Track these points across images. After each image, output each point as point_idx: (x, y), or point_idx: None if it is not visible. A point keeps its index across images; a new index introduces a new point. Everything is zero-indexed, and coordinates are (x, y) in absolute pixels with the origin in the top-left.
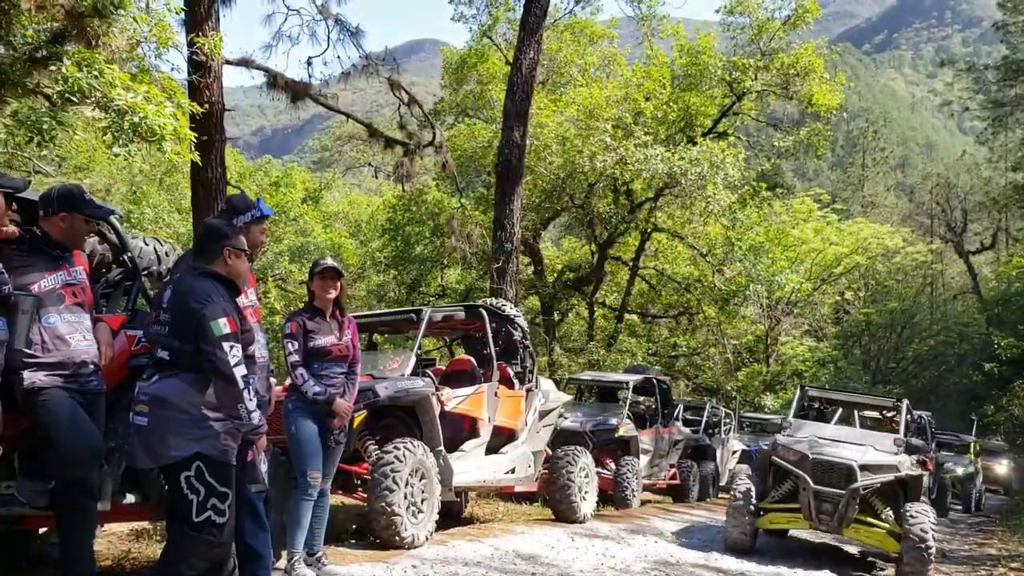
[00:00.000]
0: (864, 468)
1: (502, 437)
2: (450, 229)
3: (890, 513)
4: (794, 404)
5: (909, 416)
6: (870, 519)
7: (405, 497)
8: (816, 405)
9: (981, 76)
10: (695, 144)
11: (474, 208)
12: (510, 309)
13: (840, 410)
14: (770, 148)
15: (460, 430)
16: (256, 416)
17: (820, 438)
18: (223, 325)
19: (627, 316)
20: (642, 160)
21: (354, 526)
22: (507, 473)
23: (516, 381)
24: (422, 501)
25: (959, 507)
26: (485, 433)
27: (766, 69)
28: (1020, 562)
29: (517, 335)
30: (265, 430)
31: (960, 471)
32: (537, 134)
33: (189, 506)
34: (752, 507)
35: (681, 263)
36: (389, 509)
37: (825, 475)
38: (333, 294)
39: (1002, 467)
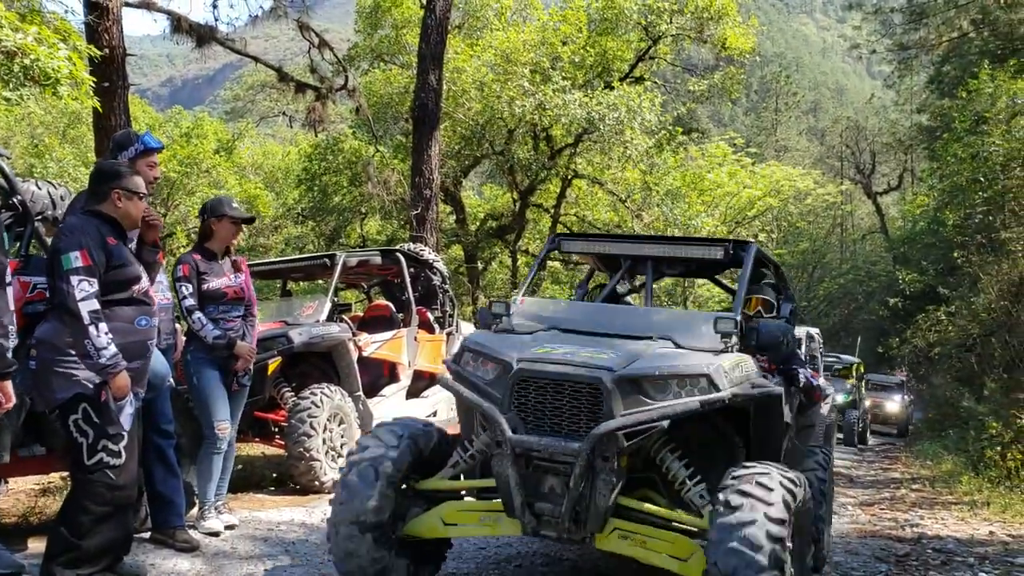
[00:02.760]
0: (629, 384)
1: (424, 381)
2: (367, 176)
3: (702, 493)
4: (534, 270)
5: (777, 280)
6: (652, 507)
7: (324, 442)
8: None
9: (887, 20)
10: (612, 89)
11: (392, 156)
12: (428, 254)
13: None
14: (686, 93)
15: (380, 375)
16: (106, 355)
17: (564, 330)
18: (74, 258)
19: (550, 264)
20: (561, 105)
21: (274, 474)
22: (429, 416)
23: (436, 326)
24: (341, 446)
25: (840, 439)
26: (405, 378)
27: (680, 12)
28: (920, 483)
29: (436, 280)
30: (119, 370)
31: (841, 398)
32: (455, 79)
33: (80, 449)
34: (385, 493)
35: (601, 209)
36: (307, 454)
37: (544, 409)
38: (236, 241)
39: (894, 404)
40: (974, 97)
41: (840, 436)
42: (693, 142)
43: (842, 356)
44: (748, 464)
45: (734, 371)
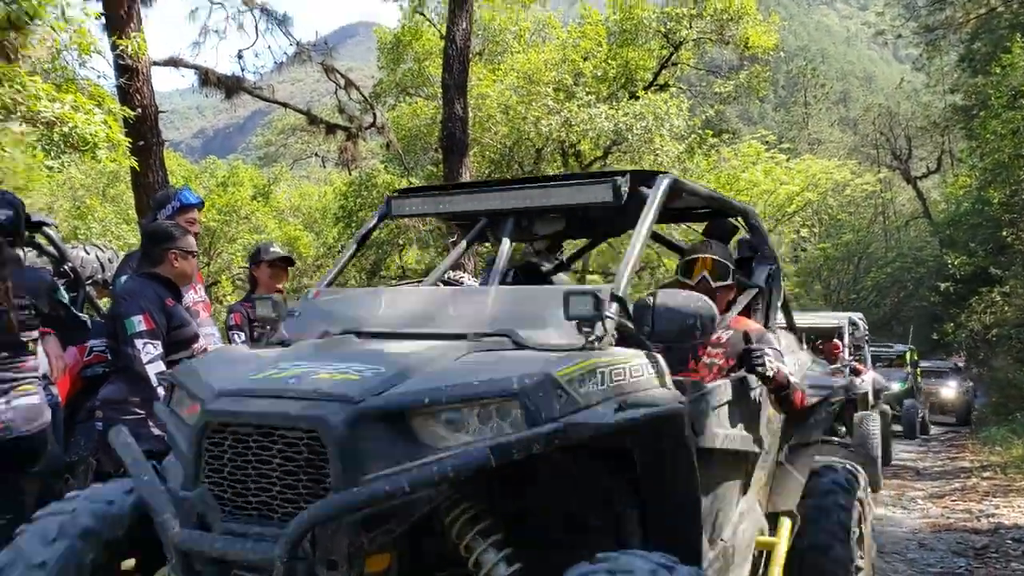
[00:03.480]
0: (383, 423)
1: None
2: None
3: None
4: (350, 251)
5: (752, 234)
6: None
7: None
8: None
9: (911, 2)
10: (638, 99)
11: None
12: (468, 280)
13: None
14: (712, 95)
15: None
16: None
17: (363, 333)
18: (137, 323)
19: (589, 277)
20: (587, 120)
21: None
22: None
23: None
24: None
25: (899, 431)
26: None
27: (700, 16)
28: (991, 471)
29: None
30: None
31: (897, 386)
32: (479, 105)
33: None
34: None
35: None
36: None
37: (248, 478)
38: (282, 284)
39: (950, 390)
40: (1008, 72)
41: (899, 428)
42: (724, 143)
43: (894, 345)
44: (605, 556)
45: (583, 384)
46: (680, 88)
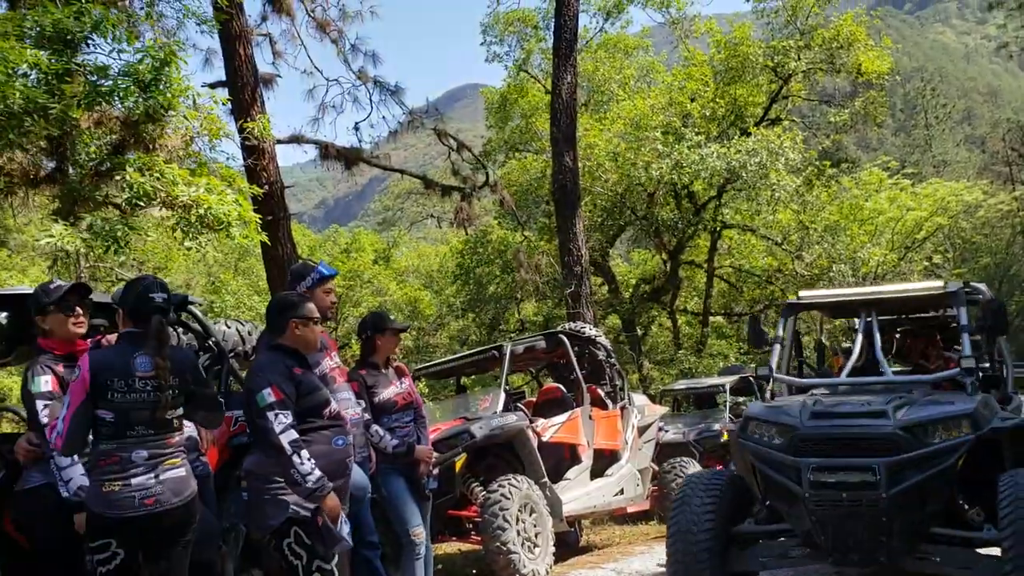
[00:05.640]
0: None
1: (605, 459)
2: (518, 263)
3: None
4: None
5: None
6: None
7: (518, 534)
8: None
9: None
10: (749, 135)
11: (539, 239)
12: (589, 330)
13: None
14: (827, 125)
15: (561, 458)
16: (312, 480)
17: None
18: (267, 395)
19: (712, 319)
20: (698, 160)
21: (474, 571)
22: (616, 495)
23: (608, 401)
24: (536, 535)
25: None
26: (587, 458)
27: (808, 48)
28: None
29: (601, 355)
30: (327, 491)
31: None
32: (588, 155)
33: (295, 571)
34: None
35: (757, 256)
36: (504, 548)
37: None
38: (396, 349)
39: None
40: None
41: None
42: (844, 173)
43: None
44: None
45: None
46: (793, 121)
